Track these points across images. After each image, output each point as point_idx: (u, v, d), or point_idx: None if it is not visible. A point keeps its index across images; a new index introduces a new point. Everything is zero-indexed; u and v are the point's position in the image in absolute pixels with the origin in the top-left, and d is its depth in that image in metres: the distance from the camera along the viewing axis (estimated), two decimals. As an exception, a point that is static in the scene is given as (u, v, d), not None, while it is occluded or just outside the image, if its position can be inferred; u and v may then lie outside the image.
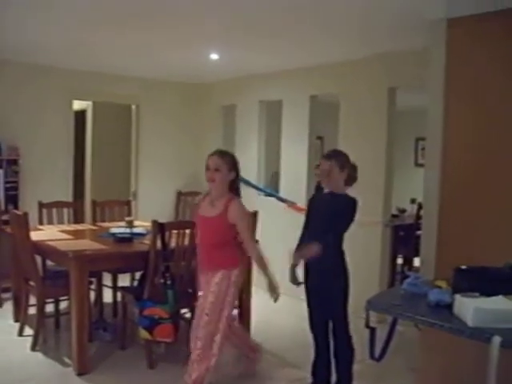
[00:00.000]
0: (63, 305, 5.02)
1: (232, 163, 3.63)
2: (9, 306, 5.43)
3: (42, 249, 4.52)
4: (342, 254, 3.63)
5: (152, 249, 4.21)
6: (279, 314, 5.51)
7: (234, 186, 3.66)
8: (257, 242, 3.96)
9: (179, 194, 7.80)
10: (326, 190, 3.70)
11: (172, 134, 7.79)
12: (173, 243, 4.25)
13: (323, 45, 5.23)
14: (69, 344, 4.34)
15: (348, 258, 3.67)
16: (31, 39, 5.28)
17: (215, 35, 5.01)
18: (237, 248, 3.65)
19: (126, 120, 7.69)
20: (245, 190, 3.90)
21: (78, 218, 5.89)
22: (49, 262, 4.94)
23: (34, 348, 4.53)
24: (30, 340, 4.61)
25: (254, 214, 4.54)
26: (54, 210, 5.72)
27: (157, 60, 6.25)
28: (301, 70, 6.35)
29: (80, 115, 7.74)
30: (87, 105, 7.84)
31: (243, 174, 3.89)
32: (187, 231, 4.26)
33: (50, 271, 4.73)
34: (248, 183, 5.18)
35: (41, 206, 5.66)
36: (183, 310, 4.57)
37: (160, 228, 4.17)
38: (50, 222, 5.64)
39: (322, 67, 6.09)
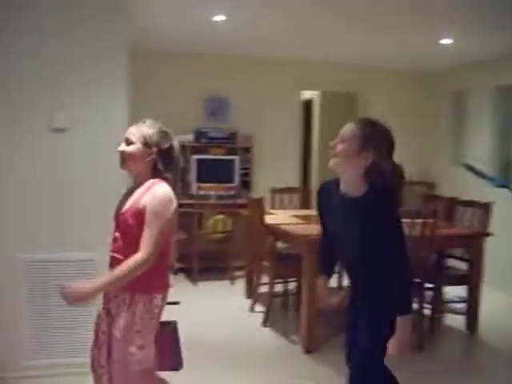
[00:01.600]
0: (291, 285, 5.27)
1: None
2: (240, 284, 5.85)
3: (274, 232, 4.77)
4: None
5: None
6: None
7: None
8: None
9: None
10: None
11: (399, 123, 7.63)
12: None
13: None
14: (296, 323, 4.54)
15: None
16: (267, 33, 5.58)
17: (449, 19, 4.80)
18: None
19: (350, 109, 7.75)
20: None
21: (305, 203, 6.12)
22: (279, 245, 5.19)
23: (264, 324, 4.81)
24: (260, 316, 4.92)
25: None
26: (286, 196, 6.01)
27: (384, 47, 6.17)
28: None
29: (306, 105, 7.99)
30: (313, 94, 8.06)
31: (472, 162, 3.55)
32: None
33: (280, 253, 4.97)
34: (478, 172, 4.83)
35: (273, 191, 6.00)
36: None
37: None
38: (281, 207, 5.94)
39: None
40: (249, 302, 5.33)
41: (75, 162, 3.52)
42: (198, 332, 4.59)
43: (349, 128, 2.35)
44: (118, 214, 2.49)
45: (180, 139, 6.47)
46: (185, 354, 4.04)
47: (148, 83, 6.21)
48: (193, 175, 6.48)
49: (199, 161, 6.51)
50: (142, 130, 2.47)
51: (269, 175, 6.77)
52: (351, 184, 2.34)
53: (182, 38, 5.86)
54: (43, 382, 3.20)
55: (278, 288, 5.13)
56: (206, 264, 6.22)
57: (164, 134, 2.52)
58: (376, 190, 2.29)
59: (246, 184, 6.75)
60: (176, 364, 2.79)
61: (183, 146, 6.52)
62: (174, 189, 2.51)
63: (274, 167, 7.00)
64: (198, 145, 6.55)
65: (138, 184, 2.49)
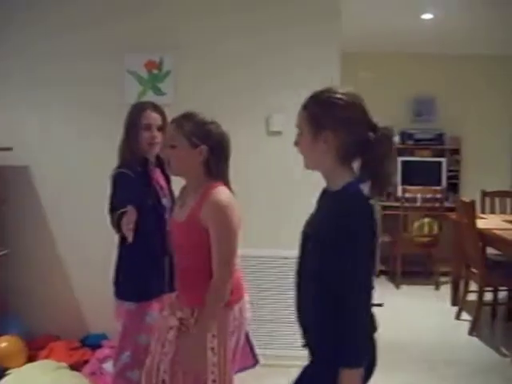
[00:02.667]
0: (501, 294, 4.98)
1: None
2: (446, 290, 5.65)
3: (485, 237, 4.56)
4: None
5: None
6: None
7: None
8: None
9: None
10: None
11: None
12: None
13: None
14: (506, 334, 4.29)
15: None
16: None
17: None
18: None
19: None
20: None
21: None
22: (488, 251, 4.94)
23: (471, 333, 4.61)
24: (466, 324, 4.73)
25: None
26: (497, 199, 5.70)
27: None
28: None
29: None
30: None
31: None
32: None
33: (491, 260, 4.72)
34: None
35: (483, 194, 5.73)
36: None
37: None
38: (492, 211, 5.64)
39: None
40: (454, 309, 5.14)
41: (288, 163, 3.71)
42: (400, 335, 4.57)
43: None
44: (174, 224, 2.28)
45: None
46: (385, 358, 4.07)
47: (353, 85, 6.29)
48: (398, 177, 6.44)
49: (405, 163, 6.44)
50: (183, 128, 2.18)
51: (478, 178, 6.44)
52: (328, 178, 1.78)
53: (387, 38, 5.87)
54: (254, 372, 3.46)
55: (487, 296, 4.89)
56: (410, 267, 6.14)
57: (211, 126, 2.21)
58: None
59: (453, 187, 6.52)
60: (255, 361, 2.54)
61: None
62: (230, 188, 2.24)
63: (484, 169, 6.63)
64: (404, 146, 6.49)
65: (191, 188, 2.25)
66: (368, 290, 1.67)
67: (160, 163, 2.72)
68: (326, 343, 1.68)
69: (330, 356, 1.63)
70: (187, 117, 2.22)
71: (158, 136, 2.62)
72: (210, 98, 3.71)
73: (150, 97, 3.60)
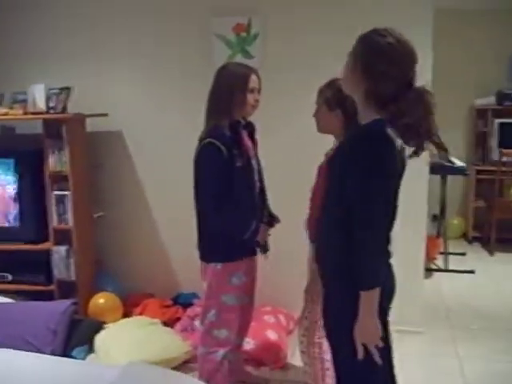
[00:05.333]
0: None
1: None
2: None
3: None
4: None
5: None
6: None
7: None
8: None
9: None
10: None
11: None
12: None
13: None
14: None
15: None
16: None
17: None
18: None
19: None
20: None
21: None
22: None
23: None
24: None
25: None
26: None
27: None
28: None
29: None
30: None
31: None
32: None
33: None
34: None
35: None
36: None
37: None
38: None
39: None
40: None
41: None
42: (492, 303, 4.43)
43: None
44: None
45: (481, 102, 6.33)
46: (475, 324, 3.99)
47: (446, 43, 6.00)
48: (494, 140, 6.13)
49: (502, 125, 6.11)
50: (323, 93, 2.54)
51: None
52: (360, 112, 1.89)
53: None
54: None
55: None
56: (505, 234, 5.88)
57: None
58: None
59: (555, 150, 6.12)
60: None
61: (484, 110, 6.23)
62: None
63: None
64: (501, 107, 6.14)
65: None
66: (385, 217, 1.77)
67: (248, 126, 2.75)
68: (342, 270, 1.81)
69: (347, 282, 1.77)
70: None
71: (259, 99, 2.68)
72: (299, 62, 3.68)
73: (239, 60, 3.60)
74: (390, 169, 1.73)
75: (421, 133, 1.73)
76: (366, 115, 1.79)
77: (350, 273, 1.73)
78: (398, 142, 1.75)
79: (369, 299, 1.72)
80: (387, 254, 1.86)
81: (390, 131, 1.72)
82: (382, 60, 1.72)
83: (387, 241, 1.82)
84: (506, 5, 5.91)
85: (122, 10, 3.98)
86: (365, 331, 1.74)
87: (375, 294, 1.72)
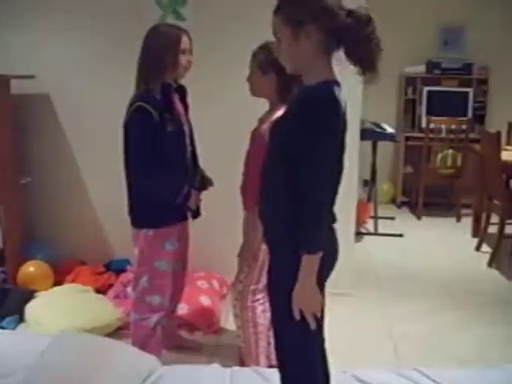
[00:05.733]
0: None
1: None
2: (467, 222, 5.64)
3: (510, 169, 4.50)
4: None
5: None
6: None
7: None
8: None
9: None
10: None
11: None
12: None
13: None
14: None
15: None
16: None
17: None
18: None
19: None
20: None
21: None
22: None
23: (490, 265, 4.63)
24: (486, 256, 4.74)
25: None
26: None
27: None
28: None
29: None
30: None
31: None
32: None
33: (514, 192, 4.68)
34: None
35: (510, 126, 5.61)
36: None
37: None
38: (517, 143, 5.55)
39: None
40: (475, 241, 5.15)
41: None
42: (419, 265, 4.63)
43: None
44: None
45: (411, 70, 6.47)
46: (404, 285, 4.17)
47: (377, 13, 6.04)
48: (423, 107, 6.33)
49: (430, 92, 6.30)
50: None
51: (505, 110, 6.24)
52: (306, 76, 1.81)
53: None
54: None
55: (508, 229, 4.86)
56: (432, 199, 6.13)
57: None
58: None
59: (479, 118, 6.37)
60: None
61: (414, 78, 6.38)
62: None
63: (512, 101, 6.45)
64: (430, 76, 6.33)
65: None
66: (331, 179, 1.75)
67: (180, 90, 2.71)
68: (285, 232, 1.78)
69: (291, 245, 1.74)
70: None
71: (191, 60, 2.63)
72: (233, 27, 3.64)
73: (171, 22, 3.52)
74: (337, 130, 1.72)
75: (373, 49, 1.72)
76: (316, 75, 1.74)
77: (294, 235, 1.71)
78: (343, 102, 1.73)
79: (310, 263, 1.70)
80: (332, 218, 1.85)
81: (337, 91, 1.71)
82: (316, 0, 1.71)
83: (332, 204, 1.81)
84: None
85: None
86: (303, 297, 1.73)
87: (317, 258, 1.71)
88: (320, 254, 1.71)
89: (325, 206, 1.74)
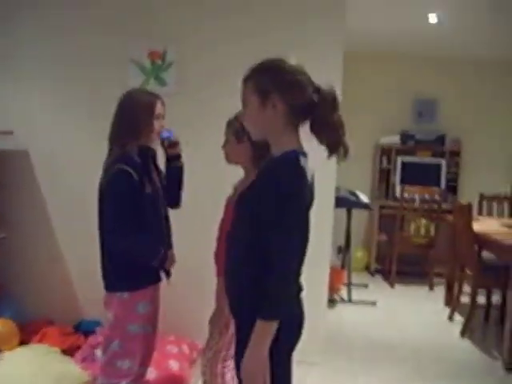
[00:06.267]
0: (494, 298, 5.01)
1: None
2: (440, 291, 5.69)
3: (481, 240, 4.58)
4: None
5: None
6: None
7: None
8: None
9: None
10: None
11: None
12: None
13: None
14: (498, 337, 4.30)
15: None
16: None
17: None
18: None
19: None
20: None
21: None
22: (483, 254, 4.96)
23: (462, 334, 4.63)
24: (458, 326, 4.75)
25: None
26: (494, 203, 5.73)
27: None
28: None
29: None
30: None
31: None
32: None
33: (485, 263, 4.74)
34: None
35: (481, 197, 5.75)
36: None
37: None
38: (490, 214, 5.67)
39: None
40: (447, 309, 5.17)
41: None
42: (391, 334, 4.62)
43: None
44: None
45: (386, 140, 6.64)
46: (374, 355, 4.13)
47: (355, 84, 6.29)
48: (397, 177, 6.47)
49: (404, 163, 6.46)
50: None
51: (477, 181, 6.46)
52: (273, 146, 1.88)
53: (391, 39, 5.86)
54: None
55: (480, 299, 4.90)
56: (406, 267, 6.17)
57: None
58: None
59: (452, 189, 6.54)
60: None
61: (389, 148, 6.54)
62: None
63: (484, 173, 6.62)
64: (404, 147, 6.51)
65: None
66: (299, 247, 1.75)
67: (151, 154, 2.75)
68: (248, 301, 1.76)
69: (252, 315, 1.69)
70: None
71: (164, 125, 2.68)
72: (213, 93, 3.73)
73: (153, 87, 3.60)
74: (304, 199, 1.73)
75: (338, 128, 1.77)
76: (282, 145, 1.78)
77: (256, 304, 1.67)
78: (310, 172, 1.76)
79: (265, 330, 1.66)
80: (298, 288, 1.84)
81: (303, 161, 1.73)
82: (286, 73, 1.77)
83: (299, 273, 1.80)
84: (414, 50, 6.29)
85: (33, 25, 3.89)
86: (250, 363, 1.68)
87: (273, 326, 1.66)
88: (275, 325, 1.67)
89: (292, 273, 1.73)
